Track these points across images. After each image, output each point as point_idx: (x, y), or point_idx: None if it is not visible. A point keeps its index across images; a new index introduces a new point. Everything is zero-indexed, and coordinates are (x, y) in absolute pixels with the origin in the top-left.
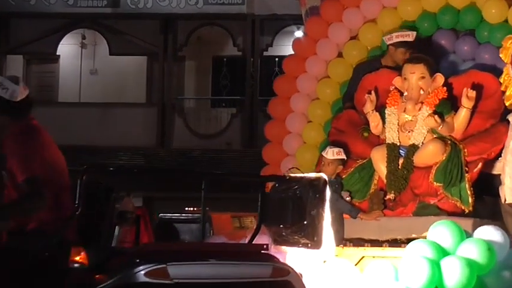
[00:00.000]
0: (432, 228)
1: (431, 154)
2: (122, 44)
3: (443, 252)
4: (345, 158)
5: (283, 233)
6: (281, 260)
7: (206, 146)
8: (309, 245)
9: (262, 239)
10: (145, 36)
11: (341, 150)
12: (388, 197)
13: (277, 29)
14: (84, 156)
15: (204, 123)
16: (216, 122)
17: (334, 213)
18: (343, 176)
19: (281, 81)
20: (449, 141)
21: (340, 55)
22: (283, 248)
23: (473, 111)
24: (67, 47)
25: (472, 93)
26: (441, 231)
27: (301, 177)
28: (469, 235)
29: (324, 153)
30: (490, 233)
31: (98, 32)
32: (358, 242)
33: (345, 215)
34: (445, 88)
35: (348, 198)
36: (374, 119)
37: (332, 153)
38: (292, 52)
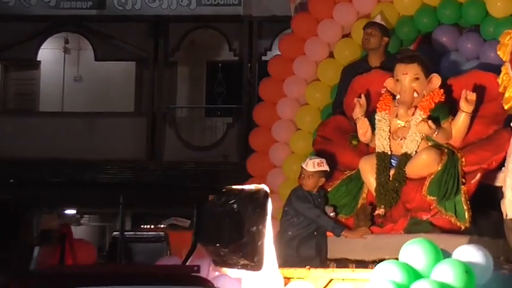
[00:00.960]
0: (404, 248)
1: (425, 164)
2: (108, 49)
3: (415, 275)
4: (328, 169)
5: (222, 253)
6: (235, 284)
7: (200, 159)
8: (249, 266)
9: (203, 259)
10: (134, 40)
11: (323, 161)
12: (377, 212)
13: (276, 32)
14: (67, 171)
15: (198, 134)
16: (211, 133)
17: (316, 231)
18: (329, 189)
19: (266, 84)
20: (446, 150)
21: (331, 55)
22: (224, 269)
23: (474, 115)
24: (49, 52)
25: (472, 96)
26: (414, 251)
27: (240, 190)
28: (447, 255)
29: (303, 165)
30: (470, 253)
31: (82, 36)
32: (343, 263)
33: (328, 233)
34: (442, 90)
35: (331, 214)
36: (362, 125)
37: (312, 165)
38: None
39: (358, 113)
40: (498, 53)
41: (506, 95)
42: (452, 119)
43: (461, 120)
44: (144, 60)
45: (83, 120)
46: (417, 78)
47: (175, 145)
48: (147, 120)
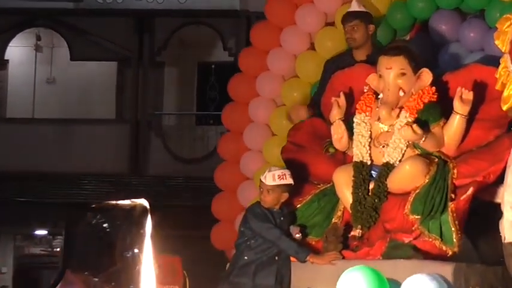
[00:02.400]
0: (342, 278)
1: (409, 176)
2: (86, 47)
3: None
4: (291, 182)
5: (94, 281)
6: None
7: (190, 173)
8: None
9: None
10: (115, 37)
11: (285, 172)
12: (352, 233)
13: None
14: (38, 186)
15: (188, 144)
16: (203, 143)
17: (278, 256)
18: (298, 206)
19: (236, 82)
20: (436, 159)
21: (312, 47)
22: None
23: (473, 118)
24: (18, 50)
25: (468, 95)
26: (352, 280)
27: (113, 205)
28: (395, 286)
29: (262, 178)
30: (422, 283)
31: (56, 32)
32: None
33: (292, 258)
34: (433, 88)
35: (297, 236)
36: (336, 129)
37: (272, 178)
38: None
39: (335, 115)
40: (496, 42)
41: (505, 93)
42: (445, 123)
43: (456, 124)
44: (127, 60)
45: (56, 128)
46: (403, 74)
47: (162, 157)
48: (130, 128)
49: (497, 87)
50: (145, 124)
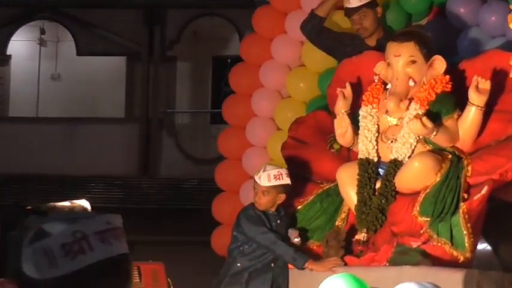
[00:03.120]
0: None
1: (418, 174)
2: (93, 41)
3: None
4: (289, 182)
5: None
6: None
7: (204, 174)
8: None
9: None
10: (124, 30)
11: (282, 172)
12: (356, 237)
13: None
14: (43, 189)
15: (202, 144)
16: (217, 143)
17: (274, 262)
18: (299, 207)
19: (238, 72)
20: (449, 155)
21: None
22: None
23: (490, 110)
24: (20, 45)
25: (485, 84)
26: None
27: (51, 208)
28: None
29: (256, 178)
30: None
31: (61, 25)
32: None
33: (290, 265)
34: (447, 77)
35: (295, 240)
36: (340, 123)
37: (267, 178)
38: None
39: (340, 107)
40: (510, 25)
41: None
42: (460, 115)
43: (471, 116)
44: (137, 54)
45: (61, 128)
46: (413, 62)
47: (175, 157)
48: (140, 127)
49: (511, 75)
50: (156, 123)
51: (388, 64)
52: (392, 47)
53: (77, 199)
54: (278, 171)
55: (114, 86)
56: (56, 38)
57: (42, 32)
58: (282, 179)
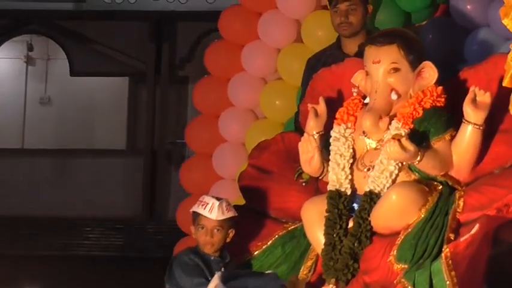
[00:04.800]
0: None
1: (396, 210)
2: (90, 59)
3: None
4: (236, 214)
5: None
6: None
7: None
8: None
9: None
10: (127, 46)
11: (229, 201)
12: None
13: None
14: (29, 235)
15: None
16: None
17: None
18: (256, 252)
19: (203, 88)
20: (439, 187)
21: (299, 39)
22: None
23: (494, 129)
24: (4, 63)
25: (485, 97)
26: None
27: None
28: None
29: (201, 211)
30: None
31: (52, 40)
32: None
33: None
34: (439, 89)
35: None
36: (305, 146)
37: (221, 210)
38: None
39: (311, 127)
40: (504, 21)
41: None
42: (454, 136)
43: (467, 137)
44: (141, 74)
45: (52, 161)
46: (396, 70)
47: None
48: (144, 160)
49: (505, 83)
50: (163, 155)
51: (367, 73)
52: (370, 52)
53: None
54: (226, 201)
55: (115, 111)
56: (46, 55)
57: (30, 48)
58: (232, 210)
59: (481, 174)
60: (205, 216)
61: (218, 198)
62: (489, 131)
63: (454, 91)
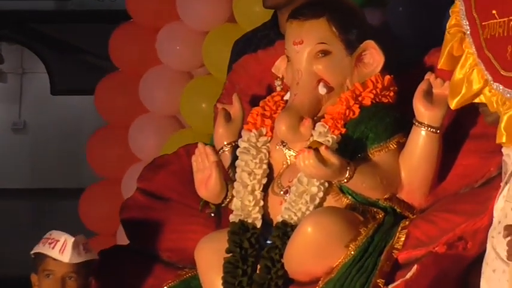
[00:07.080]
0: None
1: (313, 248)
2: (76, 73)
3: None
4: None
5: None
6: None
7: None
8: None
9: None
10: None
11: (87, 240)
12: None
13: None
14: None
15: None
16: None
17: None
18: None
19: (105, 88)
20: (379, 215)
21: (231, 18)
22: None
23: (461, 134)
24: None
25: (445, 88)
26: None
27: None
28: None
29: (47, 250)
30: None
31: (29, 50)
32: None
33: None
34: (387, 78)
35: None
36: (199, 162)
37: (76, 251)
38: None
39: (221, 136)
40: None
41: (456, 76)
42: (402, 143)
43: (420, 144)
44: None
45: (28, 205)
46: (325, 53)
47: None
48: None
49: (440, 65)
50: None
51: (288, 59)
52: (291, 30)
53: None
54: (84, 239)
55: None
56: (21, 69)
57: (0, 60)
58: (91, 250)
59: (443, 196)
60: (54, 259)
61: (70, 236)
62: (454, 136)
63: (414, 82)
